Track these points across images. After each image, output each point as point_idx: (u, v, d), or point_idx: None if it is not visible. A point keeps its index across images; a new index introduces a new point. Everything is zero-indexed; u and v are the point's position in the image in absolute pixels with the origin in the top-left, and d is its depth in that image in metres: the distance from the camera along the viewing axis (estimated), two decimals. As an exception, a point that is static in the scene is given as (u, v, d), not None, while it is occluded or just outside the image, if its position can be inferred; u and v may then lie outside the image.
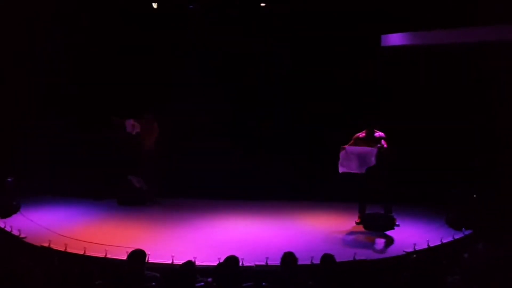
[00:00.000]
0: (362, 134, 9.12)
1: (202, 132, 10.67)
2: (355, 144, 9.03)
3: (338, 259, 6.29)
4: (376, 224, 8.91)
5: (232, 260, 5.99)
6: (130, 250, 6.08)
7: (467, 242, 7.77)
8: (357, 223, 9.31)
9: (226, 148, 10.67)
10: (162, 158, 10.44)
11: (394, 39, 9.98)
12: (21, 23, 10.05)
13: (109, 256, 7.45)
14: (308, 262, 7.11)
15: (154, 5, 10.41)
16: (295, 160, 10.75)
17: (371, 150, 8.75)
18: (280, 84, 10.57)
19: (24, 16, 10.00)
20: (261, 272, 7.04)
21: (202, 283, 5.84)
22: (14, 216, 9.29)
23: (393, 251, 7.91)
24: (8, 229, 8.43)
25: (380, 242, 8.47)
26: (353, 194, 9.74)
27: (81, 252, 7.55)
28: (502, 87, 9.60)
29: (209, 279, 6.01)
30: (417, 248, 7.79)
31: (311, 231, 8.97)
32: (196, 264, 6.64)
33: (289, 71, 10.55)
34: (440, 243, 8.12)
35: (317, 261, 6.44)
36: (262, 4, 10.43)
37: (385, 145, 8.92)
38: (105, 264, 7.18)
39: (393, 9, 9.78)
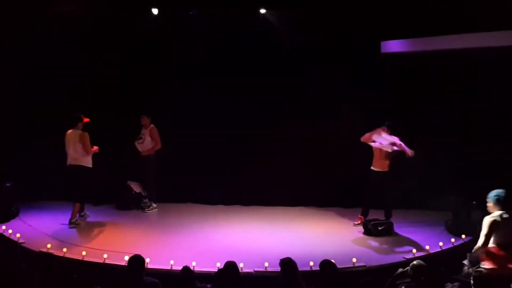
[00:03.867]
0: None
1: (200, 136, 10.64)
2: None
3: (337, 265, 6.28)
4: (376, 230, 8.91)
5: (231, 266, 5.99)
6: (129, 256, 6.07)
7: (466, 249, 7.73)
8: (355, 225, 9.36)
9: (224, 152, 10.66)
10: (160, 163, 10.39)
11: (394, 45, 9.99)
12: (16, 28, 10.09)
13: (108, 261, 7.45)
14: (308, 268, 7.10)
15: (155, 11, 10.41)
16: (294, 165, 10.74)
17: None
18: (280, 86, 10.55)
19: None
20: (260, 278, 7.04)
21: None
22: (12, 221, 9.29)
23: (392, 257, 7.89)
24: (6, 234, 8.42)
25: (379, 248, 8.46)
26: (353, 199, 9.77)
27: (80, 258, 7.55)
28: (503, 92, 9.64)
29: (208, 285, 6.01)
30: (417, 254, 7.78)
31: (310, 237, 8.96)
32: (195, 270, 6.65)
33: (290, 73, 10.54)
34: (439, 249, 8.11)
35: (316, 267, 6.44)
36: (262, 11, 10.43)
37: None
38: (104, 269, 7.18)
39: (393, 15, 9.79)
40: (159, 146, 10.19)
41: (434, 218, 9.51)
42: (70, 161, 9.23)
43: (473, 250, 6.37)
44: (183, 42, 10.60)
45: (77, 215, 9.26)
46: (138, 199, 10.38)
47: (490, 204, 6.33)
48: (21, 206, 9.75)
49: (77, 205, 9.25)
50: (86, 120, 9.29)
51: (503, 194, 6.21)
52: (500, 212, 6.19)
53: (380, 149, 9.11)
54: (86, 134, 9.17)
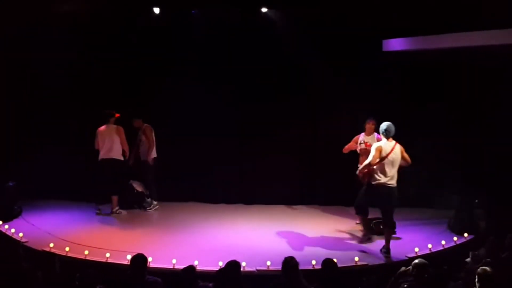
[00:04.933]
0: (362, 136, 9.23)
1: (202, 135, 10.64)
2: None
3: (339, 264, 6.27)
4: (378, 229, 8.89)
5: (233, 265, 5.98)
6: (131, 255, 6.08)
7: (469, 247, 7.73)
8: (357, 223, 9.39)
9: (227, 151, 10.66)
10: (162, 163, 10.36)
11: (396, 44, 9.97)
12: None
13: (110, 260, 7.46)
14: (310, 267, 7.10)
15: (156, 10, 10.40)
16: (296, 164, 10.74)
17: None
18: (281, 86, 10.53)
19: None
20: (262, 277, 7.04)
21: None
22: (15, 220, 9.30)
23: (395, 256, 7.88)
24: (9, 233, 8.44)
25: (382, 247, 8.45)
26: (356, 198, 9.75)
27: (83, 257, 7.54)
28: (501, 91, 9.63)
29: (210, 284, 6.00)
30: (419, 253, 7.77)
31: (312, 236, 8.95)
32: (197, 269, 6.65)
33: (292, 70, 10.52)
34: (442, 248, 8.11)
35: (318, 265, 6.43)
36: (264, 10, 10.42)
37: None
38: (107, 268, 7.18)
39: (394, 13, 9.76)
40: (152, 145, 10.02)
41: (436, 217, 9.50)
42: (103, 155, 9.60)
43: (359, 168, 8.18)
44: (184, 41, 10.58)
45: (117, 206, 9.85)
46: (140, 198, 10.39)
47: (381, 135, 7.99)
48: (24, 205, 9.77)
49: (115, 197, 9.81)
50: (117, 115, 9.71)
51: (385, 127, 7.83)
52: (385, 140, 7.83)
53: (366, 148, 9.13)
54: (122, 128, 9.62)
